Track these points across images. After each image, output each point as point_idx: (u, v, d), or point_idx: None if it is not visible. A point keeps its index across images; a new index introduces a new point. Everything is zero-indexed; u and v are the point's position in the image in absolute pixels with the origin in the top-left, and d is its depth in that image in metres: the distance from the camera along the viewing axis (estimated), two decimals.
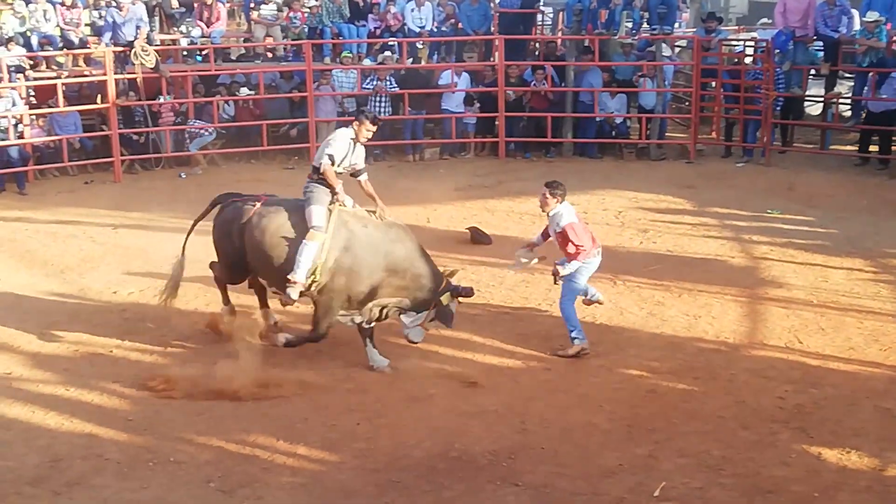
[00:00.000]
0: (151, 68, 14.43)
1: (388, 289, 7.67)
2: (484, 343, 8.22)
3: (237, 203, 8.04)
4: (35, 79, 14.34)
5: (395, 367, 7.75)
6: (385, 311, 7.78)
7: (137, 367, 7.83)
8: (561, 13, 18.43)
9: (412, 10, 16.12)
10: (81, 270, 10.27)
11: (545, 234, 8.26)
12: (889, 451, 6.43)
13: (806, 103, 15.59)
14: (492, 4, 16.77)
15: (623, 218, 11.98)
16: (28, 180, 13.90)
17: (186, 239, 8.34)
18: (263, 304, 8.37)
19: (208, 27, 15.80)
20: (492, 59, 16.00)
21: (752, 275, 9.92)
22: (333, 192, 7.72)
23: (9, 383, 7.57)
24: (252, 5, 16.61)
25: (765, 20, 21.67)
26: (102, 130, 14.59)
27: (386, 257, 7.63)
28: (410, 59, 15.79)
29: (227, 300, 8.39)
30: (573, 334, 7.98)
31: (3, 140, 13.56)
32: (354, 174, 7.94)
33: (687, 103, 16.23)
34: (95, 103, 14.70)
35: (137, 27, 14.54)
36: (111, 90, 14.24)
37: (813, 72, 15.09)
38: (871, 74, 13.86)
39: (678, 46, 17.35)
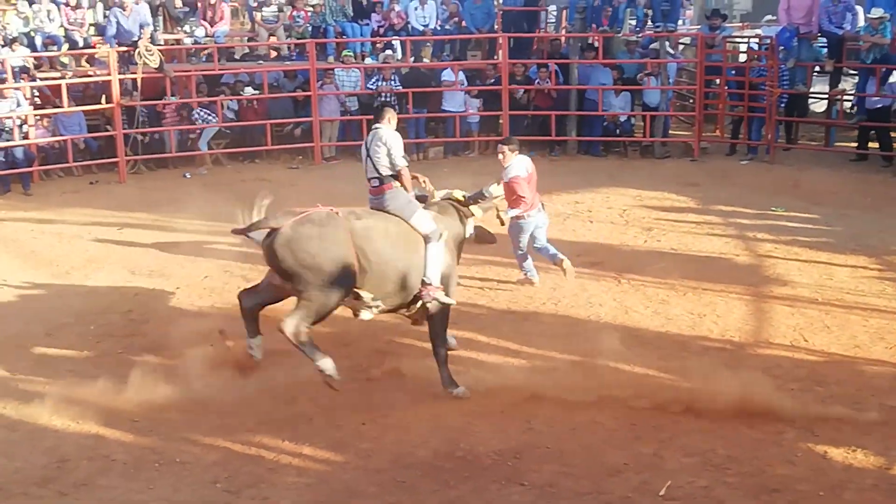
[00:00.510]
0: (155, 68, 14.45)
1: None
2: (489, 342, 8.22)
3: (320, 213, 7.21)
4: (40, 79, 14.38)
5: (400, 367, 7.74)
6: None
7: (142, 367, 7.83)
8: (564, 11, 18.42)
9: (415, 9, 16.12)
10: (87, 271, 10.28)
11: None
12: (895, 450, 6.42)
13: (810, 100, 15.57)
14: (495, 2, 16.75)
15: (627, 216, 11.98)
16: (33, 181, 13.92)
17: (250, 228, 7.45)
18: (256, 331, 7.48)
19: (212, 27, 15.82)
20: (495, 57, 16.00)
21: (756, 273, 9.91)
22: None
23: (15, 384, 7.59)
24: (255, 4, 16.65)
25: (769, 17, 21.67)
26: (107, 131, 14.62)
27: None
28: (413, 58, 15.79)
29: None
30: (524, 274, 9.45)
31: (8, 141, 13.60)
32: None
33: (691, 101, 16.21)
34: (100, 103, 14.74)
35: (141, 27, 14.56)
36: (115, 90, 14.27)
37: (817, 69, 15.07)
38: (870, 70, 13.86)
39: (682, 44, 17.32)
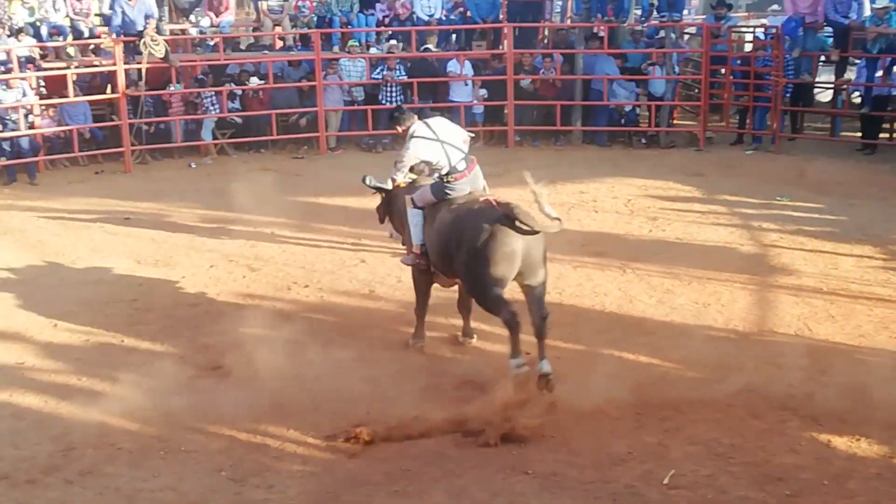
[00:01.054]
0: (161, 58, 14.46)
1: None
2: (492, 332, 8.20)
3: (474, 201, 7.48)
4: (45, 69, 14.40)
5: (403, 357, 7.76)
6: None
7: (148, 356, 7.86)
8: (570, 0, 18.38)
9: None
10: (92, 260, 10.31)
11: None
12: None
13: (816, 90, 15.54)
14: None
15: (632, 206, 11.97)
16: (39, 171, 13.97)
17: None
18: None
19: (217, 17, 15.83)
20: (501, 47, 15.99)
21: (761, 262, 9.90)
22: None
23: (21, 373, 7.62)
24: None
25: (774, 7, 21.62)
26: (113, 121, 14.64)
27: None
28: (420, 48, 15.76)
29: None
30: None
31: (14, 130, 13.62)
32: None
33: (696, 91, 16.18)
34: (105, 93, 14.76)
35: (147, 17, 14.57)
36: (121, 80, 14.28)
37: (823, 58, 15.03)
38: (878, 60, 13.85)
39: (687, 33, 17.28)
